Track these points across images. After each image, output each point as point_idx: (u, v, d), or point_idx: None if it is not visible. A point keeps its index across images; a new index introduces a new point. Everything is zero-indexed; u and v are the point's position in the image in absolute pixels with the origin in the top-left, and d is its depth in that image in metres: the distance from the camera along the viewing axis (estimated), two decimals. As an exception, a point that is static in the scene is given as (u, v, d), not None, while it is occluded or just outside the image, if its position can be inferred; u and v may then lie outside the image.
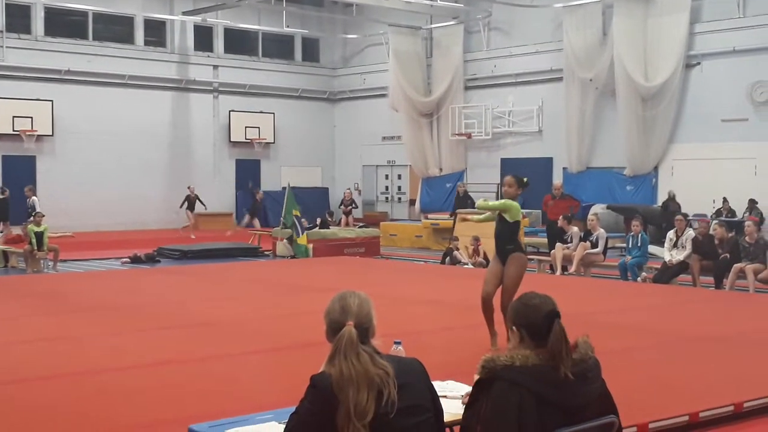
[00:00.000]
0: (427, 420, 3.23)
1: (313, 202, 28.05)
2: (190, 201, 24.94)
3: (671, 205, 20.72)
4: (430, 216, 24.28)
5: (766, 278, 13.15)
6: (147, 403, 6.21)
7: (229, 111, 28.87)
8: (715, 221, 17.25)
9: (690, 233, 14.40)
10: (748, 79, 21.01)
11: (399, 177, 30.14)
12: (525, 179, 8.24)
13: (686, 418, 5.79)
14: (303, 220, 19.81)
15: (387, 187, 30.57)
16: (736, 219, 19.36)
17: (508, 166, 24.74)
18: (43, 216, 18.01)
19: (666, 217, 19.61)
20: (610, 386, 3.55)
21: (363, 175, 30.88)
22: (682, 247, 14.19)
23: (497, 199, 10.75)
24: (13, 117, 24.50)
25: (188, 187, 25.32)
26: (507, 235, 8.05)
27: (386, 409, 3.06)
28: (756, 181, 20.78)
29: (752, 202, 20.24)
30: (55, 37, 25.79)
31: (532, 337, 3.40)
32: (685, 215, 15.45)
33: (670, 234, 14.61)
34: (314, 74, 31.10)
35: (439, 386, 4.08)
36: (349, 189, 28.11)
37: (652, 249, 16.06)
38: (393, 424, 3.08)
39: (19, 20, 25.27)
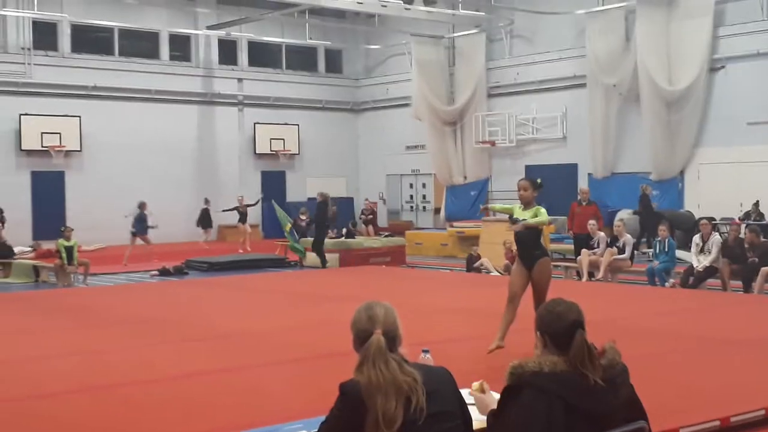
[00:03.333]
0: (456, 427, 3.25)
1: (339, 213, 28.07)
2: (242, 213, 24.88)
3: (644, 200, 20.63)
4: (455, 224, 24.28)
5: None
6: (176, 415, 6.23)
7: (254, 123, 29.03)
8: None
9: (716, 238, 14.29)
10: (773, 82, 20.85)
11: (423, 186, 30.15)
12: (538, 180, 8.27)
13: (717, 423, 5.74)
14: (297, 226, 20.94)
15: (412, 196, 30.57)
16: (764, 222, 19.16)
17: (532, 172, 24.64)
18: (72, 230, 18.18)
19: (646, 218, 19.58)
20: (639, 392, 3.54)
21: (387, 184, 30.92)
22: (708, 251, 14.09)
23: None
24: (42, 133, 24.78)
25: (238, 199, 25.31)
26: (533, 239, 8.05)
27: (415, 416, 3.09)
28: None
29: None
30: (81, 53, 26.08)
31: (555, 344, 3.42)
32: (711, 219, 15.31)
33: (696, 239, 14.50)
34: (338, 85, 31.23)
35: (467, 395, 4.09)
36: (367, 199, 28.05)
37: (680, 254, 15.93)
38: (421, 431, 3.10)
39: (46, 37, 25.58)
